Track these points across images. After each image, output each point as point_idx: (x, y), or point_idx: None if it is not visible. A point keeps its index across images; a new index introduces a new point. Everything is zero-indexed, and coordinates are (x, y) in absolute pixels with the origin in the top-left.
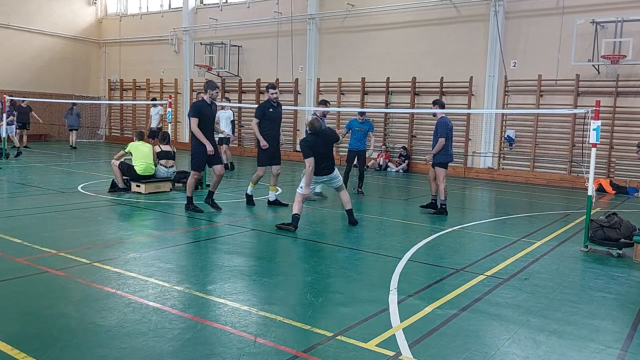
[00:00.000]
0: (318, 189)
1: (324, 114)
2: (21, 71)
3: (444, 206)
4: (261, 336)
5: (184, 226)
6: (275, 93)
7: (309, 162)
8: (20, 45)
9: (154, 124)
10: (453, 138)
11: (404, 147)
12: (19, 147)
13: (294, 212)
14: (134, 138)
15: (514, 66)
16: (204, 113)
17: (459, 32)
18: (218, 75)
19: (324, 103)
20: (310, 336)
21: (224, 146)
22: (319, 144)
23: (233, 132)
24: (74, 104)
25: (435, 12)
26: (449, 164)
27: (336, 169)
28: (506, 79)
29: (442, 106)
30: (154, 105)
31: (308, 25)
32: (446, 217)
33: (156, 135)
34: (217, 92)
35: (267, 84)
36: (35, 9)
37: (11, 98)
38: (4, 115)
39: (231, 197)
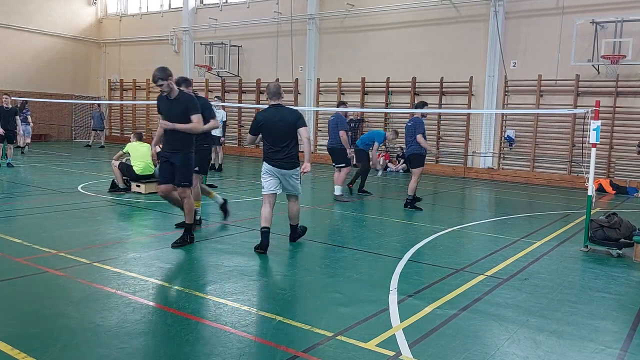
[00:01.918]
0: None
1: (346, 114)
2: (21, 71)
3: (409, 200)
4: (261, 336)
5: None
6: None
7: (250, 138)
8: (20, 45)
9: None
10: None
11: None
12: (23, 147)
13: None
14: (131, 139)
15: (514, 66)
16: (160, 110)
17: (459, 32)
18: (218, 75)
19: (343, 104)
20: (310, 336)
21: (217, 147)
22: (276, 119)
23: (223, 134)
24: (98, 104)
25: (435, 12)
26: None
27: (299, 171)
28: (506, 79)
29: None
30: None
31: (308, 25)
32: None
33: None
34: (163, 84)
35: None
36: (35, 9)
37: (14, 98)
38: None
39: (231, 197)
